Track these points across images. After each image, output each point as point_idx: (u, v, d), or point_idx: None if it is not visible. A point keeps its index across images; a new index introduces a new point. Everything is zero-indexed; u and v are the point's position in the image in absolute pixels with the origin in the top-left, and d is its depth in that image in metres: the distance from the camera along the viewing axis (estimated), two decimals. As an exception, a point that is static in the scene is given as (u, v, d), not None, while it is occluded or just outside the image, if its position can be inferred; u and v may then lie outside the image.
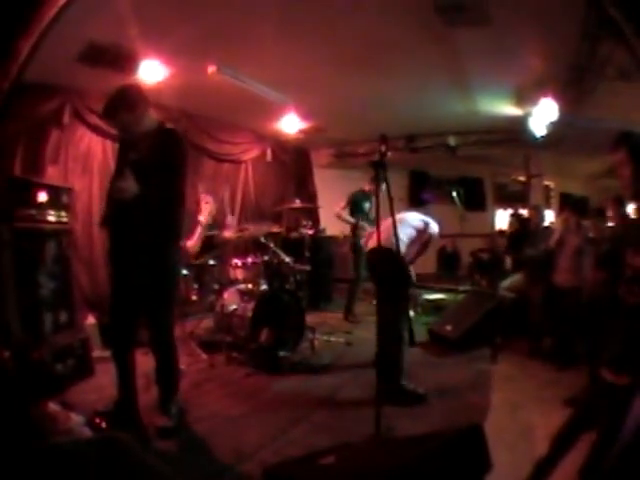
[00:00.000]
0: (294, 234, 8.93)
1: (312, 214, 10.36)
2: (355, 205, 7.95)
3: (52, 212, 5.22)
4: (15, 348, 4.06)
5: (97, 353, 5.64)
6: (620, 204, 5.56)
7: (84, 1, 3.42)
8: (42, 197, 5.13)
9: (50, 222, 5.23)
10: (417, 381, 4.72)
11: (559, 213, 10.89)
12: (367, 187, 7.86)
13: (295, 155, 11.36)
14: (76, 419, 3.37)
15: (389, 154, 4.43)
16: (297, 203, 8.26)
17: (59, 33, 2.64)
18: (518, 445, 3.58)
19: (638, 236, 3.51)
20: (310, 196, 11.23)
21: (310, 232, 8.19)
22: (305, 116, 8.53)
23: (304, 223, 8.30)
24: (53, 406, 3.41)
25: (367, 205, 7.92)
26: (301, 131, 9.13)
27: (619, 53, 4.64)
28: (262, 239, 6.70)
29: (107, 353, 5.79)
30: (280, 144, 10.44)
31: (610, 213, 5.88)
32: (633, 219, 4.77)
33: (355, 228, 7.86)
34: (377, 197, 3.65)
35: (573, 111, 7.21)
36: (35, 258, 5.07)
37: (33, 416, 2.97)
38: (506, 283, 7.41)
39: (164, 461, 2.93)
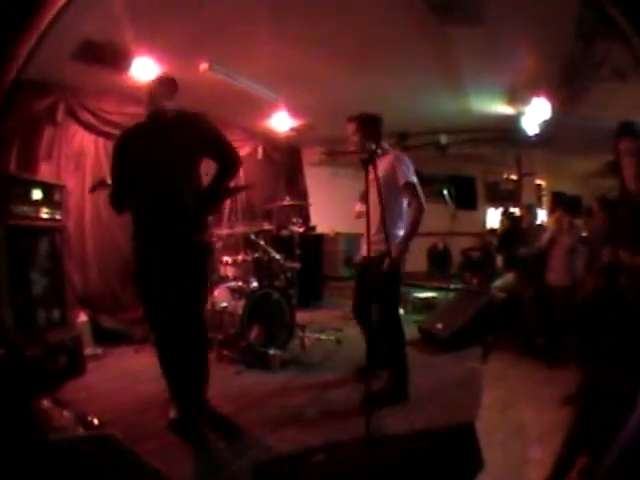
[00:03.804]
0: (284, 232, 8.91)
1: (303, 212, 10.37)
2: None
3: (45, 209, 5.21)
4: (8, 345, 4.06)
5: (89, 351, 5.67)
6: (606, 204, 5.56)
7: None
8: (35, 194, 5.12)
9: (43, 219, 5.22)
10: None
11: (551, 212, 10.92)
12: None
13: (286, 153, 11.31)
14: (69, 417, 3.38)
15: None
16: (288, 201, 8.27)
17: (53, 31, 2.64)
18: (509, 444, 3.60)
19: (634, 234, 3.50)
20: (301, 194, 11.22)
21: (300, 230, 8.20)
22: (296, 114, 8.51)
23: (294, 221, 8.29)
24: (47, 403, 3.42)
25: None
26: (292, 129, 9.09)
27: (614, 53, 4.65)
28: (252, 236, 6.71)
29: (99, 350, 5.89)
30: (271, 142, 10.39)
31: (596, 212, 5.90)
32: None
33: None
34: (367, 197, 3.49)
35: (567, 110, 7.23)
36: (28, 255, 5.06)
37: (30, 413, 2.98)
38: (498, 283, 7.43)
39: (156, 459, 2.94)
